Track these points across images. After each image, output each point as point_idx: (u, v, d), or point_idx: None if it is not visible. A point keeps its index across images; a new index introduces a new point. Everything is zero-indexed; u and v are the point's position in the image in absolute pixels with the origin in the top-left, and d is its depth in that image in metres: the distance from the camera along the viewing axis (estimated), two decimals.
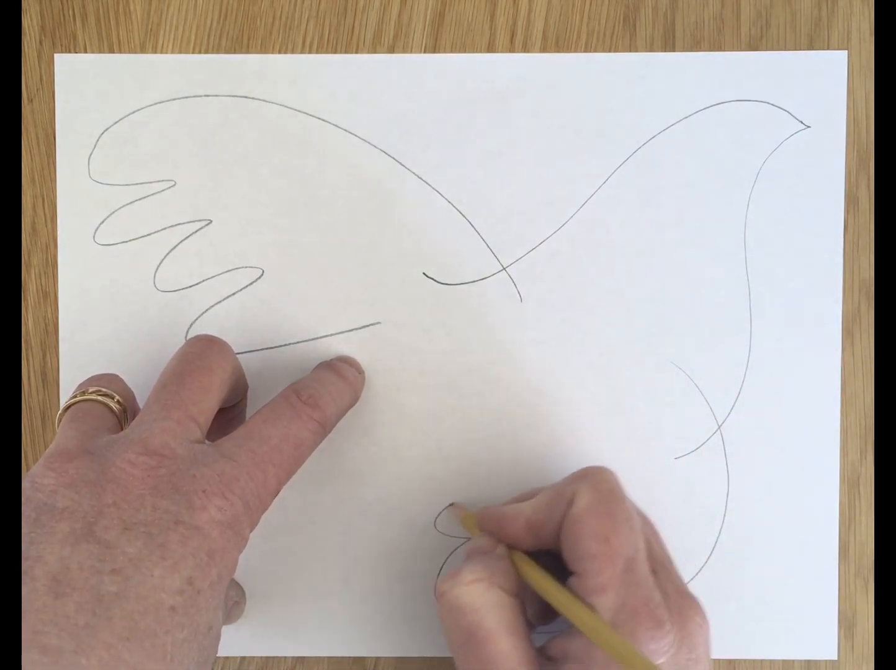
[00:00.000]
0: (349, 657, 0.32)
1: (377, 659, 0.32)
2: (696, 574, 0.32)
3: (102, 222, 0.32)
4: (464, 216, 0.32)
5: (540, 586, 0.25)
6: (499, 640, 0.24)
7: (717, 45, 0.32)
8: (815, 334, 0.32)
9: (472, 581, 0.25)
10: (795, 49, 0.32)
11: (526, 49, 0.32)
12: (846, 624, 0.32)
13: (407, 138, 0.32)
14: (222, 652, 0.32)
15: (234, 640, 0.32)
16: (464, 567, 0.26)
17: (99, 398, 0.26)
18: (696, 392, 0.32)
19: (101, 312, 0.32)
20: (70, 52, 0.32)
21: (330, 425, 0.28)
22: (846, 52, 0.32)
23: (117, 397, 0.27)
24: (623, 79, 0.32)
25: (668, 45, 0.32)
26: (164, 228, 0.32)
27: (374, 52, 0.32)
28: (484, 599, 0.25)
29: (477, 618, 0.25)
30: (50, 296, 0.32)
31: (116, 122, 0.32)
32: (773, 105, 0.32)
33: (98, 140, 0.32)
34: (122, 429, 0.26)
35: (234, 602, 0.30)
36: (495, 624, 0.24)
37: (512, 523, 0.27)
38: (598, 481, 0.26)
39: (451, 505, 0.32)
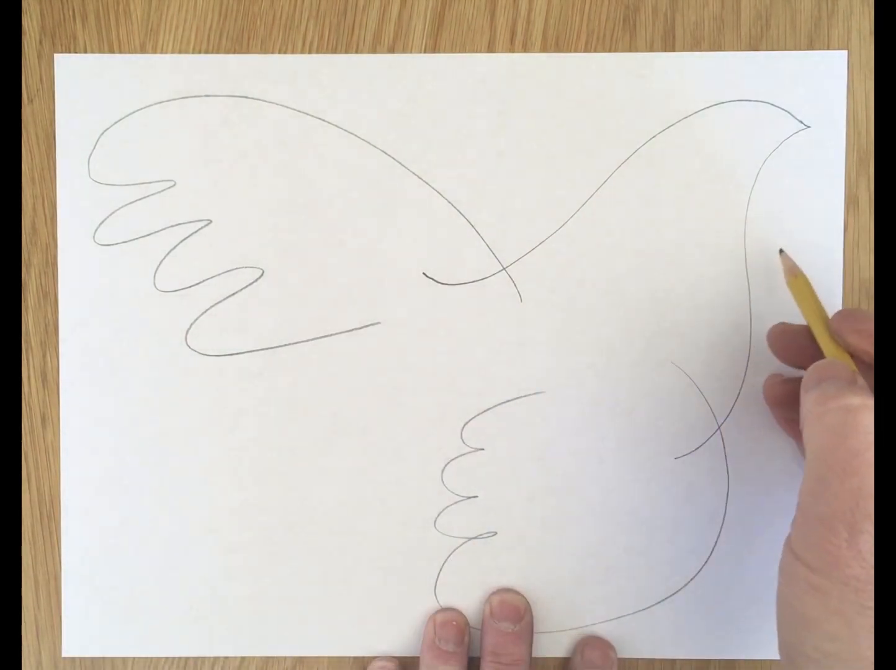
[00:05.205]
0: (349, 657, 0.32)
1: (377, 659, 0.32)
2: (696, 574, 0.32)
3: (102, 222, 0.32)
4: (464, 216, 0.32)
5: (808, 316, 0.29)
6: (871, 475, 0.23)
7: (717, 45, 0.32)
8: None
9: (863, 407, 0.24)
10: (795, 49, 0.32)
11: (526, 49, 0.32)
12: None
13: (407, 138, 0.32)
14: (222, 652, 0.32)
15: (235, 640, 0.32)
16: (845, 388, 0.24)
17: None
18: (696, 392, 0.32)
19: (101, 312, 0.32)
20: (70, 52, 0.32)
21: None
22: (846, 52, 0.32)
23: None
24: (623, 79, 0.32)
25: (668, 45, 0.32)
26: (164, 228, 0.32)
27: (374, 52, 0.32)
28: (870, 428, 0.23)
29: (865, 444, 0.23)
30: (50, 296, 0.32)
31: (116, 122, 0.32)
32: (773, 105, 0.32)
33: (98, 140, 0.32)
34: None
35: None
36: (872, 457, 0.23)
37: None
38: None
39: (782, 251, 0.30)
